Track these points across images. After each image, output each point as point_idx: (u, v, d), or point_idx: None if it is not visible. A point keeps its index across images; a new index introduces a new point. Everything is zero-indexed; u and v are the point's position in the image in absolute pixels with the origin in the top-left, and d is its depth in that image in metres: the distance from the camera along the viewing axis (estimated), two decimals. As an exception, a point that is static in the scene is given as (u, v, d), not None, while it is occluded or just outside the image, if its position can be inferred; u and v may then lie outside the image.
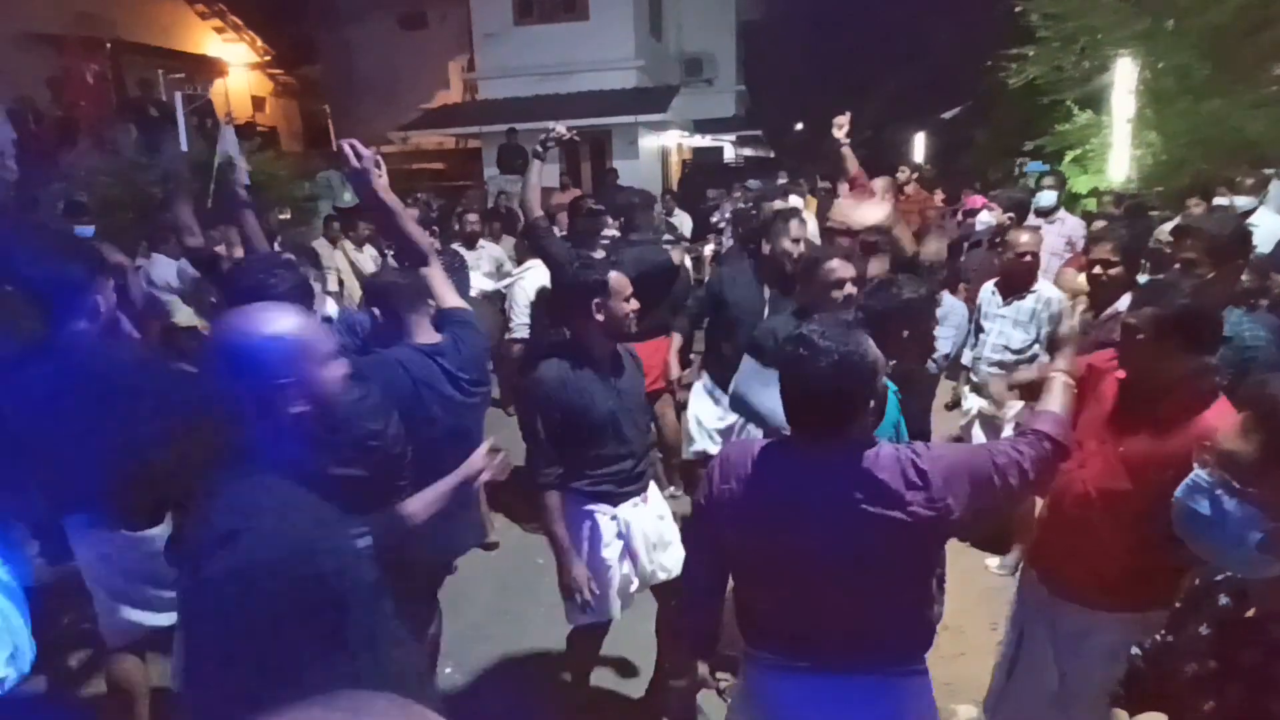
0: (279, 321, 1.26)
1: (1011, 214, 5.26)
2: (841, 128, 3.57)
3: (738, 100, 18.33)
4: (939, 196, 8.85)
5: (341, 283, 6.32)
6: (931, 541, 1.52)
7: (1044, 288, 3.57)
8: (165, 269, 5.09)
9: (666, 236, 5.32)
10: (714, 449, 3.28)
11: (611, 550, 2.37)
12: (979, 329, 3.70)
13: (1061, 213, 5.88)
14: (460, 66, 15.19)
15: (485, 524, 3.61)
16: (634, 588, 2.45)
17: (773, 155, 17.62)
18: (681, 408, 4.33)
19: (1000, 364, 3.56)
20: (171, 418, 1.66)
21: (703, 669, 1.77)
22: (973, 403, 3.72)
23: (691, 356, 4.31)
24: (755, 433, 2.55)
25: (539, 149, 3.39)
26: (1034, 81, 9.37)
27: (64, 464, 1.89)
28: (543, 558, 3.27)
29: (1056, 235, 5.50)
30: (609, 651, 2.70)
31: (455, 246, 5.58)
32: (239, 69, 14.35)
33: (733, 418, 3.20)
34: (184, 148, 7.36)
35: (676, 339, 3.94)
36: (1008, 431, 3.35)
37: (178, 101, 7.78)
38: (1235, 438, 1.24)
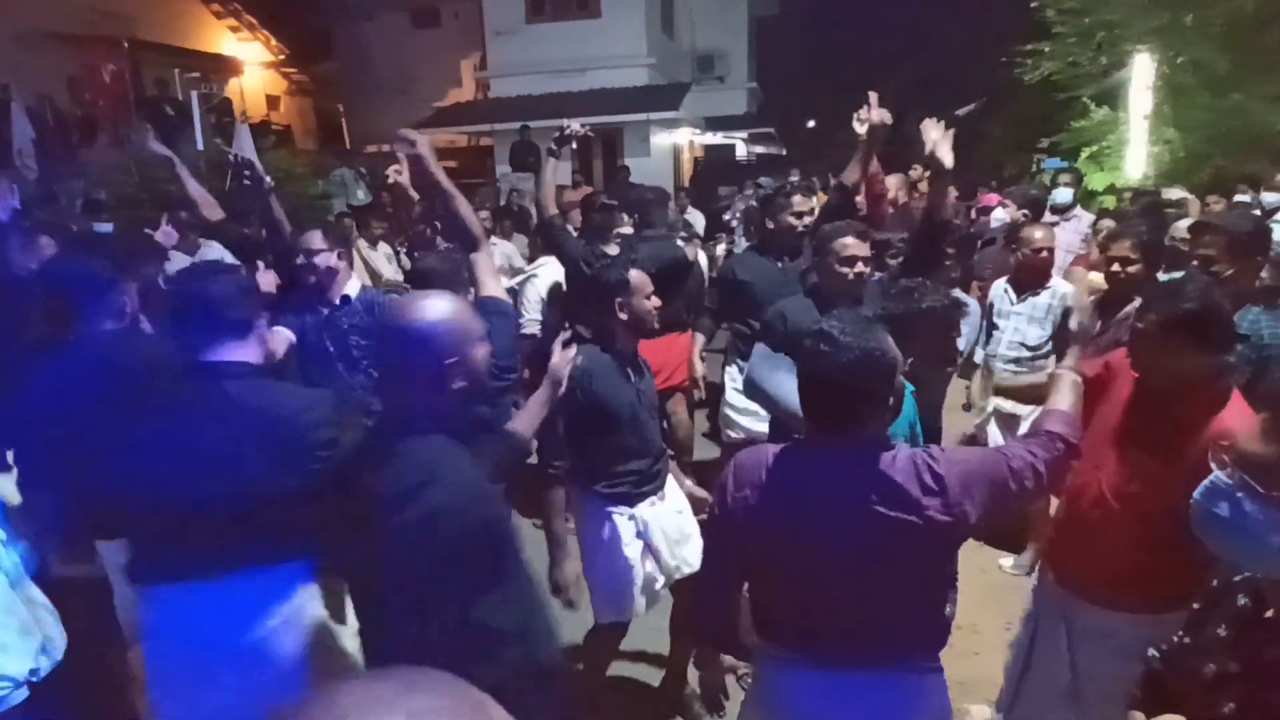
0: (450, 310, 1.50)
1: (1026, 211, 5.22)
2: (864, 122, 3.44)
3: (750, 97, 18.27)
4: (953, 194, 8.77)
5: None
6: (946, 545, 1.51)
7: (1058, 283, 3.56)
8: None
9: (681, 233, 5.31)
10: (761, 425, 3.00)
11: (633, 549, 2.37)
12: (992, 327, 3.69)
13: (1078, 210, 5.83)
14: (472, 64, 15.22)
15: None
16: (659, 585, 2.46)
17: (785, 152, 17.54)
18: (697, 406, 4.33)
19: (1017, 361, 3.54)
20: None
21: (728, 659, 1.78)
22: (989, 401, 3.70)
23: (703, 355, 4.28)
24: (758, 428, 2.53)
25: (554, 147, 3.40)
26: (1050, 77, 9.28)
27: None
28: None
29: (1073, 233, 5.46)
30: (623, 645, 2.71)
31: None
32: (253, 68, 14.45)
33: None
34: (199, 146, 7.44)
35: (699, 339, 3.91)
36: (1024, 430, 3.33)
37: (193, 100, 7.86)
38: (1256, 440, 1.23)
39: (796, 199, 3.42)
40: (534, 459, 2.38)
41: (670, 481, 2.54)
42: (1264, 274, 2.76)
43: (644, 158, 13.01)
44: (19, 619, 1.89)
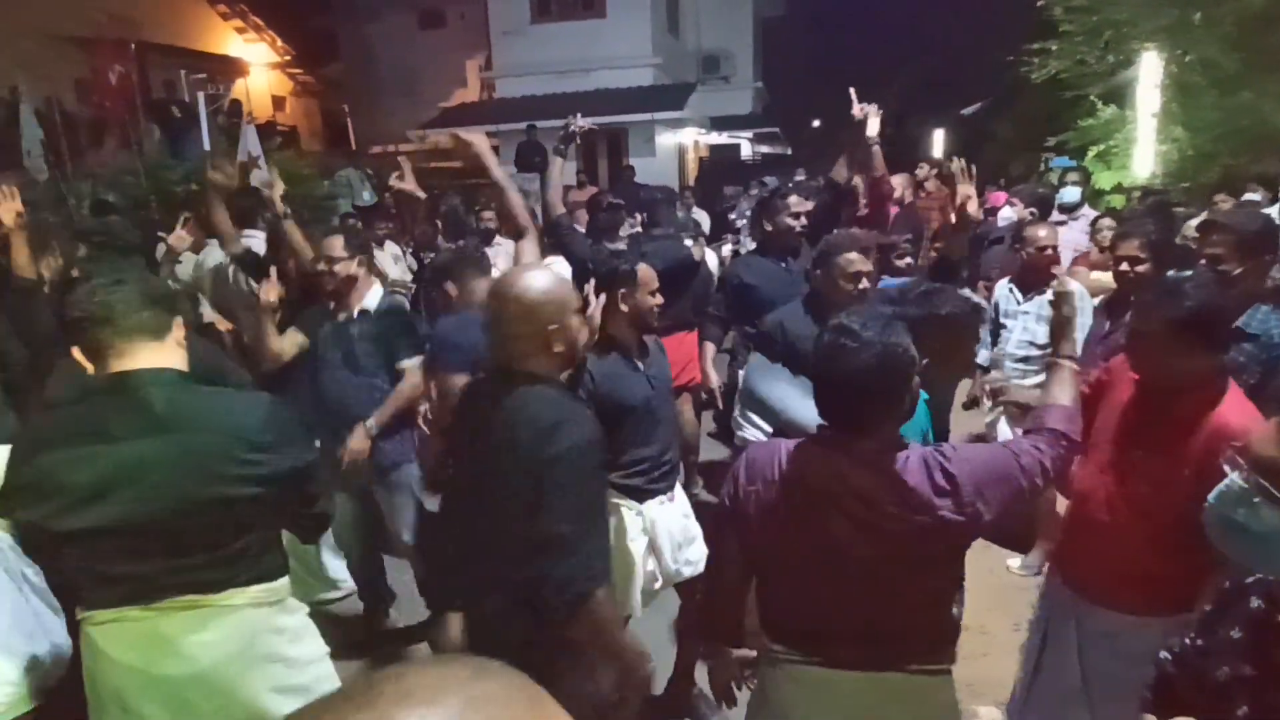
0: (554, 284, 1.72)
1: (1034, 210, 5.20)
2: (870, 123, 3.46)
3: (755, 97, 18.24)
4: (973, 204, 8.73)
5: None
6: (957, 545, 1.51)
7: (1064, 281, 3.55)
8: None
9: (690, 233, 5.30)
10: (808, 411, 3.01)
11: (636, 545, 2.37)
12: (999, 326, 3.68)
13: (1086, 209, 5.80)
14: (478, 65, 15.24)
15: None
16: (657, 585, 2.46)
17: (790, 152, 17.51)
18: (704, 407, 4.32)
19: (1026, 360, 3.54)
20: None
21: (739, 652, 1.77)
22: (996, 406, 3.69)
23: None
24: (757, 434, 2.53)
25: (560, 146, 3.40)
26: (1057, 76, 9.23)
27: None
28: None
29: (1080, 232, 5.43)
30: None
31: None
32: (260, 69, 14.51)
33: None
34: (206, 147, 7.47)
35: (710, 348, 3.87)
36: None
37: (200, 102, 7.89)
38: (1271, 443, 1.21)
39: (793, 199, 3.43)
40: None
41: (677, 485, 2.54)
42: (1274, 273, 2.74)
43: (649, 158, 13.00)
44: (26, 624, 1.90)
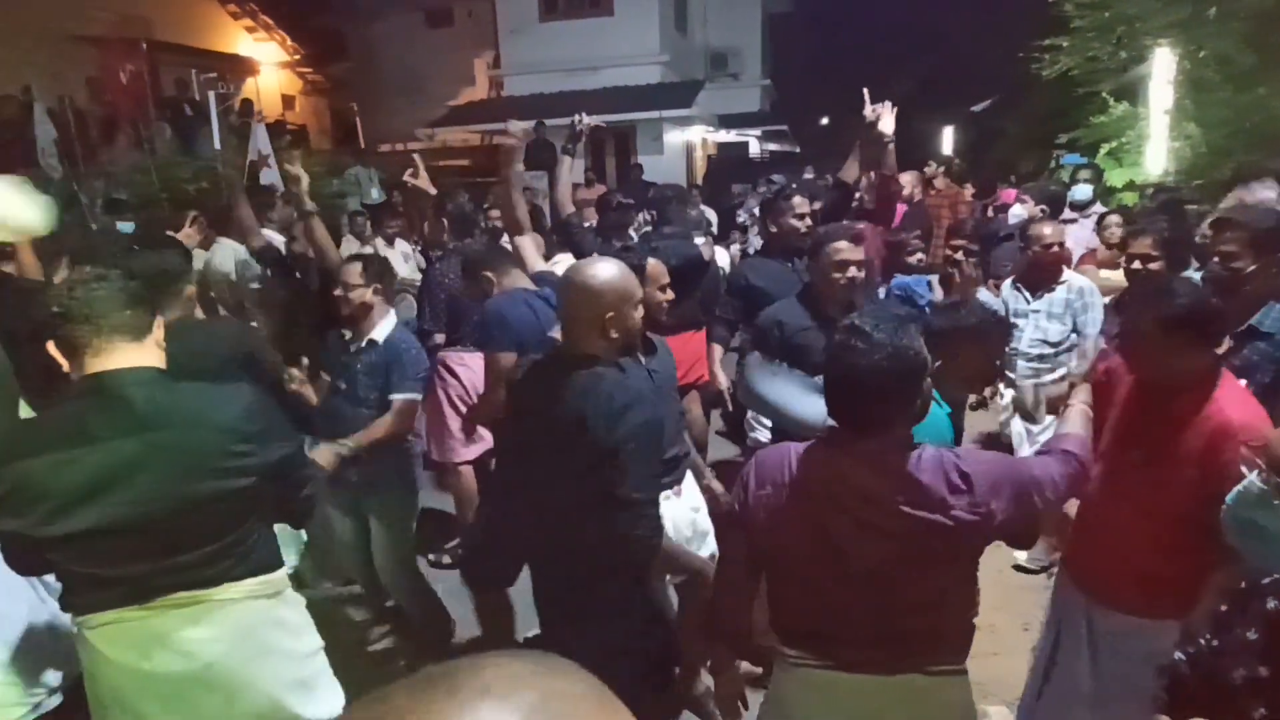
0: (613, 274, 1.86)
1: (1044, 207, 5.17)
2: (885, 121, 3.42)
3: (763, 95, 18.19)
4: (968, 191, 8.71)
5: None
6: (972, 545, 1.50)
7: (1074, 277, 3.55)
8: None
9: (700, 231, 5.28)
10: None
11: None
12: (1009, 326, 3.66)
13: (1097, 206, 5.76)
14: (485, 63, 15.26)
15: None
16: (667, 579, 2.46)
17: (798, 150, 17.46)
18: (712, 406, 4.31)
19: (1039, 358, 3.52)
20: None
21: (744, 665, 1.78)
22: (1008, 395, 3.68)
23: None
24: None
25: (568, 145, 3.40)
26: (1068, 72, 9.16)
27: None
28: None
29: (1091, 230, 5.40)
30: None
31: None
32: (269, 68, 14.56)
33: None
34: (217, 146, 7.51)
35: (718, 349, 3.85)
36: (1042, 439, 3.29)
37: (211, 100, 7.92)
38: None
39: (797, 200, 3.38)
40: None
41: (688, 478, 2.53)
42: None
43: (657, 156, 12.99)
44: (43, 626, 1.91)
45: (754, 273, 3.51)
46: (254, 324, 3.45)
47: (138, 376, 1.54)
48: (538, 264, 2.74)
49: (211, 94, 8.02)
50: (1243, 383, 2.16)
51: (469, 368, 3.65)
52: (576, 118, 3.35)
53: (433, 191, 3.50)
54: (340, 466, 2.57)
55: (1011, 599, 3.26)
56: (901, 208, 5.48)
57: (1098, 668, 1.95)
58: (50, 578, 1.96)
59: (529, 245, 2.77)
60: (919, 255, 4.43)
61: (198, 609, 1.57)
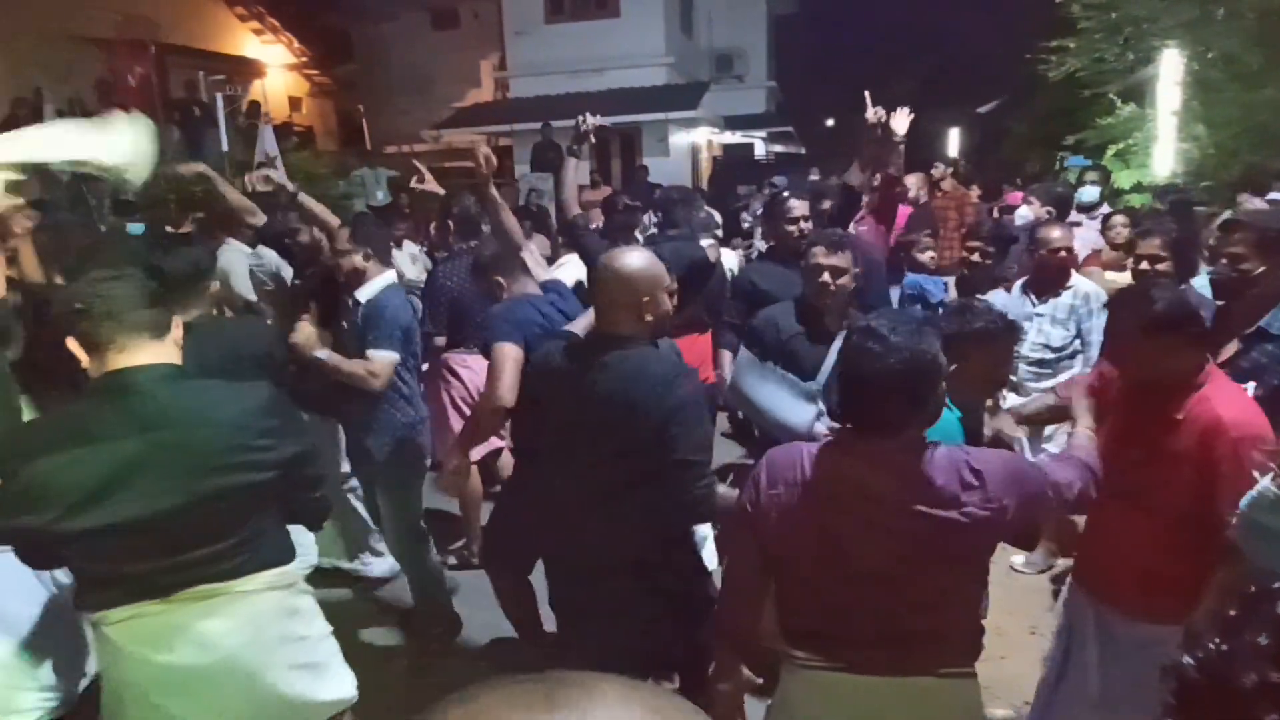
0: (647, 262, 1.99)
1: (1050, 209, 5.15)
2: (898, 122, 3.40)
3: (769, 96, 18.19)
4: (975, 192, 8.70)
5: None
6: (984, 543, 1.50)
7: (1081, 283, 3.49)
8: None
9: (707, 233, 5.27)
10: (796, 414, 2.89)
11: None
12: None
13: (1104, 208, 5.74)
14: (491, 65, 15.30)
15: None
16: None
17: (804, 151, 17.44)
18: (718, 408, 4.30)
19: (1040, 363, 3.49)
20: None
21: (746, 671, 1.77)
22: (1012, 400, 3.66)
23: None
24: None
25: (574, 147, 3.40)
26: (1075, 74, 9.13)
27: None
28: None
29: (1097, 231, 5.38)
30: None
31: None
32: (276, 69, 14.63)
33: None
34: (225, 147, 7.55)
35: (727, 355, 3.82)
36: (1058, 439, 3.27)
37: (218, 102, 7.97)
38: None
39: (793, 204, 3.35)
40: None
41: None
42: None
43: (662, 157, 13.01)
44: (59, 627, 1.92)
45: (760, 276, 3.49)
46: (269, 321, 3.46)
47: (156, 373, 1.55)
48: (540, 274, 2.78)
49: (219, 96, 8.07)
50: (1252, 385, 2.15)
51: (471, 369, 3.66)
52: (581, 118, 3.34)
53: (441, 192, 3.52)
54: (316, 376, 2.70)
55: (1018, 601, 3.25)
56: (907, 209, 5.47)
57: (1107, 673, 1.94)
58: (66, 578, 1.98)
59: (528, 260, 2.81)
60: (930, 254, 4.41)
61: (216, 602, 1.59)
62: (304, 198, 3.24)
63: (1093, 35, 8.77)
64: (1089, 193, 5.70)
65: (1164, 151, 7.84)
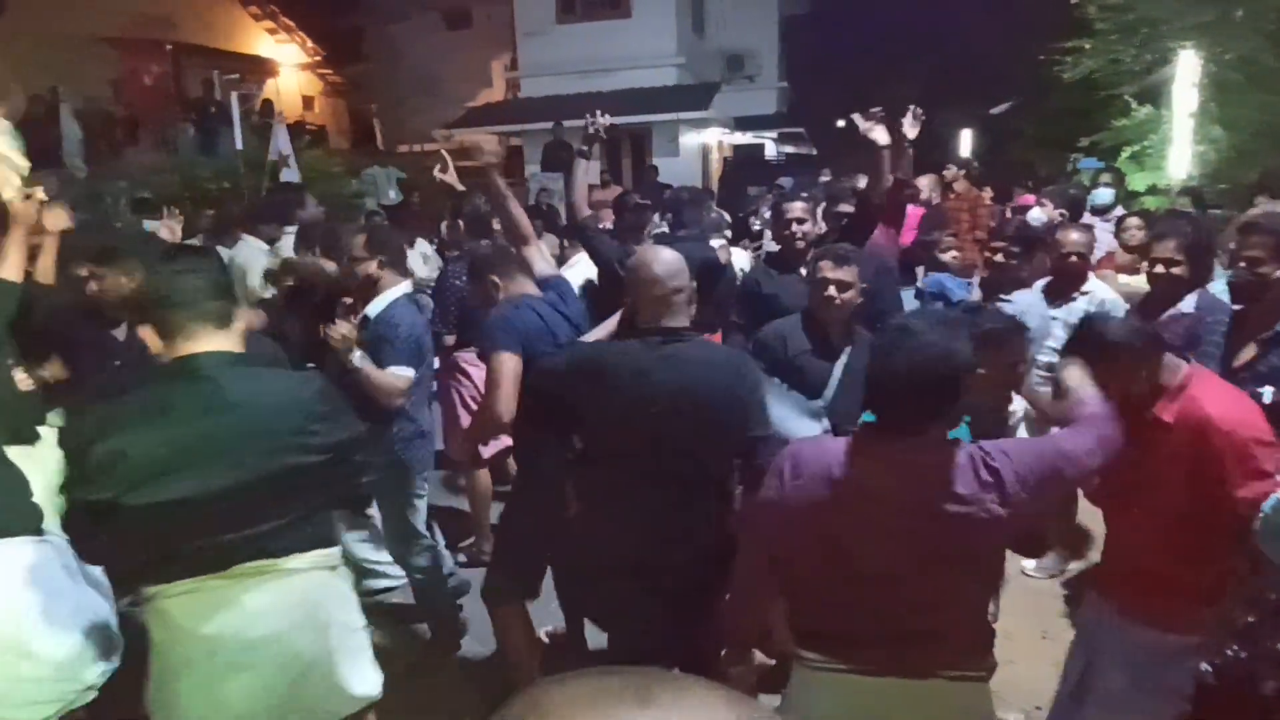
0: (677, 258, 2.05)
1: (1064, 211, 5.11)
2: (908, 128, 3.38)
3: (780, 97, 18.16)
4: (987, 194, 8.65)
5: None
6: (1000, 541, 1.50)
7: (1098, 288, 3.44)
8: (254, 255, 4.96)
9: (718, 234, 5.26)
10: (806, 427, 2.74)
11: None
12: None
13: (1119, 210, 5.69)
14: (503, 65, 15.35)
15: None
16: None
17: (815, 152, 17.38)
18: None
19: (1050, 367, 3.46)
20: None
21: (760, 655, 1.77)
22: (1018, 404, 3.62)
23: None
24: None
25: (584, 148, 3.40)
26: (1090, 75, 9.07)
27: None
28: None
29: (1111, 234, 5.34)
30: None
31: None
32: (290, 69, 14.73)
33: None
34: (239, 146, 7.61)
35: None
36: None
37: (233, 101, 8.03)
38: None
39: (793, 206, 3.29)
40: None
41: None
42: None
43: (673, 158, 12.99)
44: (85, 619, 1.97)
45: (766, 280, 3.46)
46: (285, 324, 3.43)
47: (223, 358, 1.65)
48: (544, 270, 2.69)
49: (234, 95, 8.12)
50: (1269, 389, 2.13)
51: (481, 368, 3.66)
52: (591, 118, 3.32)
53: (460, 188, 3.50)
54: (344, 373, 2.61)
55: (1029, 606, 3.23)
56: (919, 211, 5.43)
57: (1123, 681, 1.92)
58: (97, 571, 2.03)
59: (535, 254, 2.74)
60: (953, 254, 4.37)
61: (268, 577, 1.67)
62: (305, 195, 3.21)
63: (1108, 36, 8.71)
64: (1104, 195, 5.65)
65: (1180, 154, 7.78)
